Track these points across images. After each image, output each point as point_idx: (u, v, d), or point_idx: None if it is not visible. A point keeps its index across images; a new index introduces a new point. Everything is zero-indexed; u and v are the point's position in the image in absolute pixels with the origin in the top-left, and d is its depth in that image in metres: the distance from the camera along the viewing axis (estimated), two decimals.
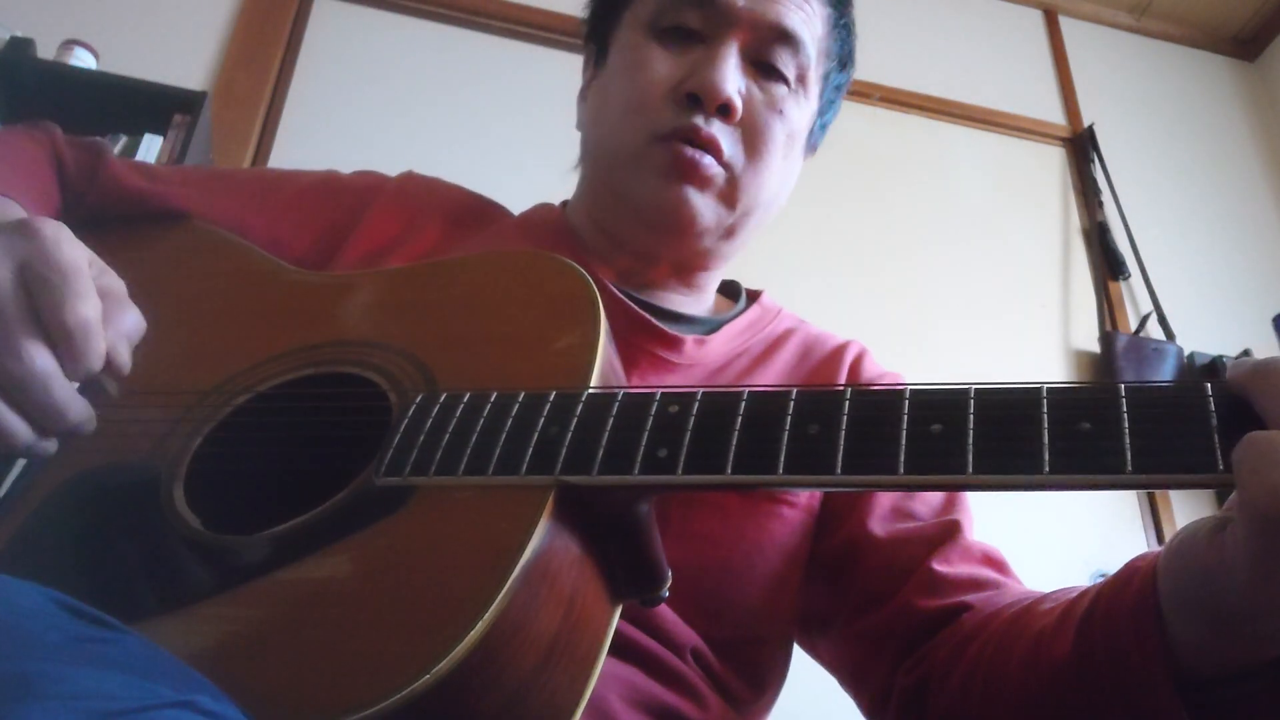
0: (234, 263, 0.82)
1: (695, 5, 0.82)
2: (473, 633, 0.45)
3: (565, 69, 2.62)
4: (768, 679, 0.79)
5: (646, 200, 0.82)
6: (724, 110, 0.80)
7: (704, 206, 0.82)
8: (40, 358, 0.56)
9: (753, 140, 0.82)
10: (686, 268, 0.89)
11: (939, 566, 0.74)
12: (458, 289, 0.70)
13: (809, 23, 0.85)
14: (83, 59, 2.12)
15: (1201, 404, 0.43)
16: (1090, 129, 2.96)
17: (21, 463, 0.64)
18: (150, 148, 1.98)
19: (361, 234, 0.87)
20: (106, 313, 0.60)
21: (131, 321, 0.63)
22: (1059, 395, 0.45)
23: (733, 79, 0.80)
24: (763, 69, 0.84)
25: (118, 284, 0.64)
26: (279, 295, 0.77)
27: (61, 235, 0.59)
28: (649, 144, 0.81)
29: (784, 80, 0.84)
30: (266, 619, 0.51)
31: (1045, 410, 0.45)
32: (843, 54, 0.91)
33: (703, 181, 0.81)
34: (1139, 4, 3.30)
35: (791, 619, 0.79)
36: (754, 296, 0.95)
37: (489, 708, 0.47)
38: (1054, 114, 3.05)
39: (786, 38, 0.83)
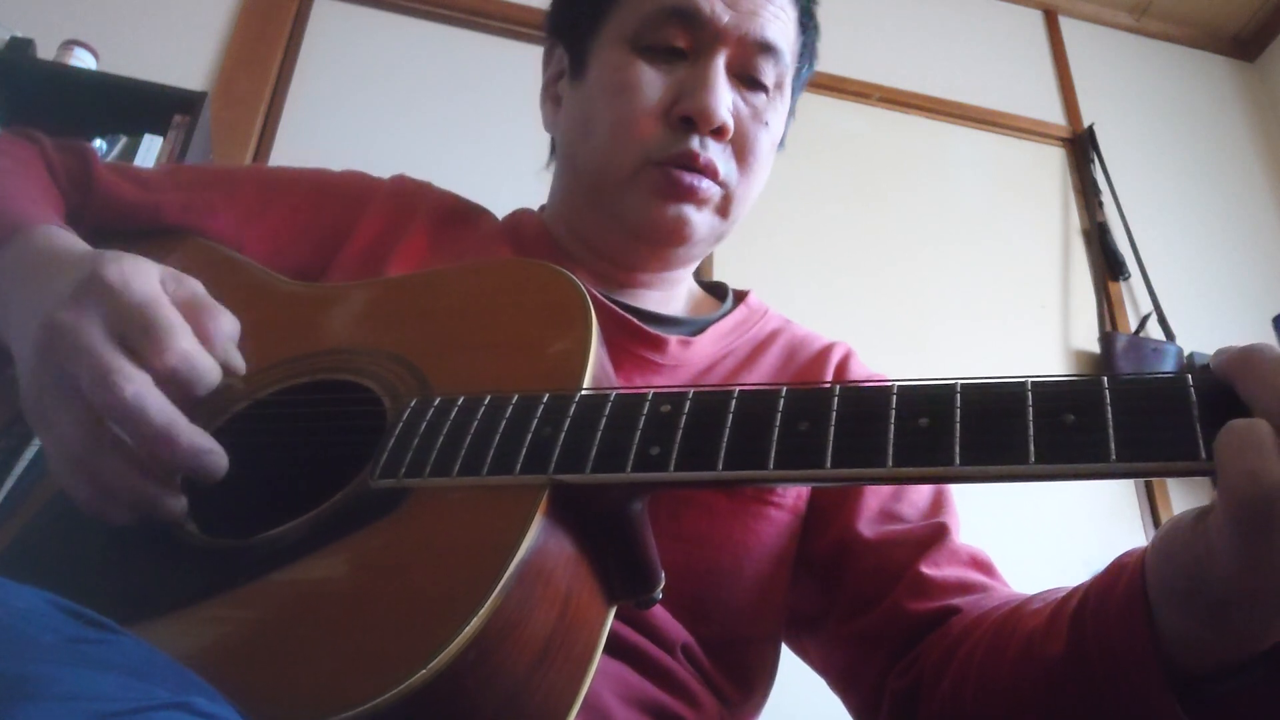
0: (231, 277, 0.83)
1: (681, 25, 0.82)
2: (468, 627, 0.45)
3: None
4: (756, 679, 0.79)
5: (642, 218, 0.83)
6: (718, 131, 0.82)
7: (701, 222, 0.84)
8: (160, 412, 0.55)
9: (744, 155, 0.84)
10: (666, 268, 0.90)
11: (928, 569, 0.75)
12: (451, 297, 0.71)
13: (785, 30, 0.86)
14: (83, 59, 2.12)
15: (1184, 394, 0.43)
16: (1090, 129, 2.96)
17: (20, 468, 0.65)
18: (150, 148, 1.98)
19: (358, 236, 0.88)
20: (201, 324, 0.60)
21: (227, 325, 0.63)
22: (1043, 388, 0.46)
23: (725, 100, 0.81)
24: (745, 80, 0.85)
25: (197, 288, 0.63)
26: (275, 307, 0.78)
27: (126, 272, 0.59)
28: (643, 167, 0.82)
29: (764, 89, 0.86)
30: (262, 619, 0.51)
31: (1030, 403, 0.45)
32: (810, 50, 0.93)
33: (701, 201, 0.83)
34: (1139, 4, 3.30)
35: (779, 620, 0.79)
36: (740, 297, 0.95)
37: (486, 705, 0.48)
38: (1054, 114, 3.04)
39: (769, 50, 0.84)
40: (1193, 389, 0.43)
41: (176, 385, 0.57)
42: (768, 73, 0.85)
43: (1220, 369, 0.44)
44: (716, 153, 0.82)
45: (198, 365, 0.58)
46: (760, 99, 0.85)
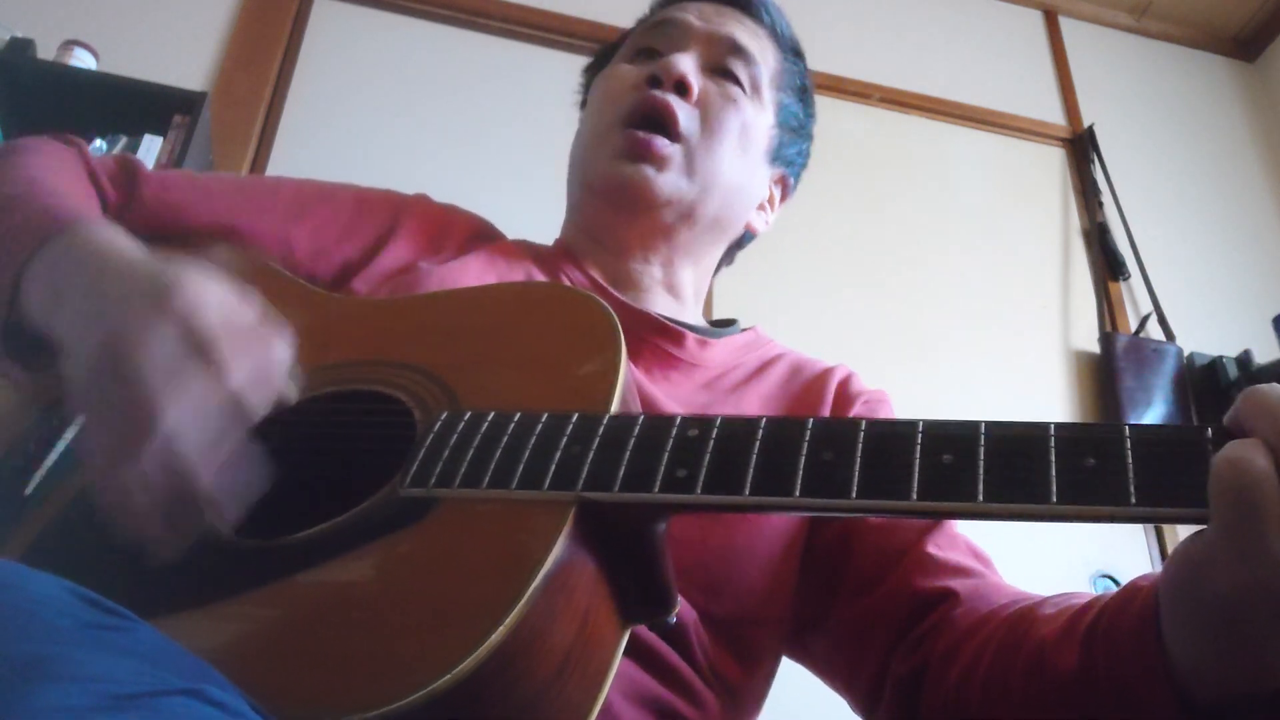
0: (264, 287, 0.83)
1: (658, 30, 0.97)
2: (494, 636, 0.46)
3: (566, 70, 2.62)
4: (758, 664, 0.80)
5: (606, 178, 0.91)
6: (680, 88, 0.91)
7: (662, 181, 0.89)
8: (189, 454, 0.54)
9: (708, 119, 0.92)
10: (654, 248, 0.94)
11: (931, 549, 0.77)
12: (480, 315, 0.72)
13: (758, 45, 0.97)
14: (83, 59, 2.11)
15: (1201, 443, 0.45)
16: (1090, 129, 2.96)
17: (54, 456, 0.65)
18: (150, 148, 1.98)
19: (390, 251, 0.90)
20: (261, 357, 0.58)
21: (278, 354, 0.60)
22: (1066, 431, 0.47)
23: (688, 64, 0.92)
24: (720, 73, 0.95)
25: (252, 315, 0.61)
26: (308, 317, 0.78)
27: (192, 302, 0.57)
28: (612, 130, 0.91)
29: (739, 84, 0.95)
30: (286, 619, 0.52)
31: (1053, 445, 0.47)
32: (799, 88, 1.02)
33: (659, 161, 0.89)
34: (1139, 4, 3.30)
35: (785, 610, 0.81)
36: (746, 329, 1.00)
37: (503, 714, 0.48)
38: (1054, 114, 3.05)
39: (738, 50, 0.95)
40: (1210, 441, 0.45)
41: (221, 422, 0.55)
42: (740, 70, 0.95)
43: (1231, 418, 0.45)
44: (680, 106, 0.90)
45: (243, 407, 0.56)
46: (734, 89, 0.94)
